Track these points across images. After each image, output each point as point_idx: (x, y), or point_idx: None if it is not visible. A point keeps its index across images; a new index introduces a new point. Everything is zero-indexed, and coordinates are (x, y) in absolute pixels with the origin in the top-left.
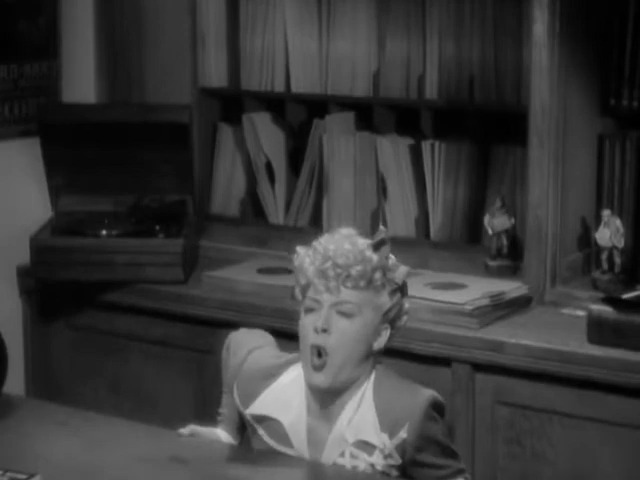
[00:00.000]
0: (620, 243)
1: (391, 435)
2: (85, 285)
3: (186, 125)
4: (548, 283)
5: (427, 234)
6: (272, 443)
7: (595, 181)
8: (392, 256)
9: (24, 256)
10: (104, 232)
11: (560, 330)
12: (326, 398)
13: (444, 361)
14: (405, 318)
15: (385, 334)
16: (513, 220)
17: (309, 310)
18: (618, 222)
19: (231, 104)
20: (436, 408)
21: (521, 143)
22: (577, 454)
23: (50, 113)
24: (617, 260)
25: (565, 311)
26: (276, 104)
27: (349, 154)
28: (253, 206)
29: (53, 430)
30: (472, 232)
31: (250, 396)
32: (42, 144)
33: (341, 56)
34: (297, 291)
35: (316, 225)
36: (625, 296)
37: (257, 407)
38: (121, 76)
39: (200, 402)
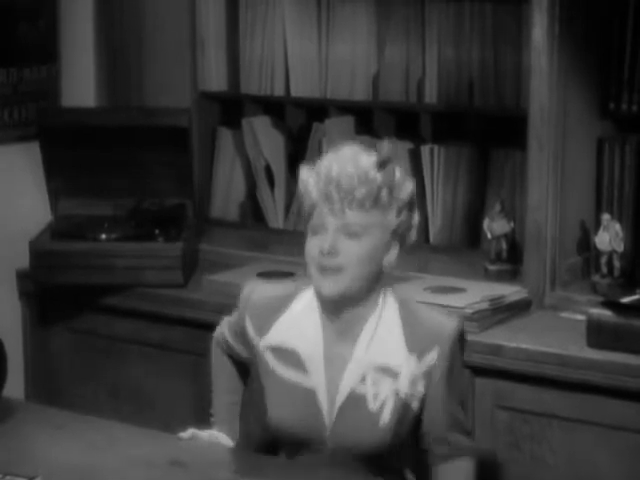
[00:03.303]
0: (619, 247)
1: (420, 357)
2: (84, 289)
3: (185, 129)
4: (547, 287)
5: (426, 238)
6: (287, 374)
7: (594, 185)
8: (398, 171)
9: (24, 260)
10: (103, 236)
11: (559, 334)
12: (340, 319)
13: None
14: (414, 233)
15: (394, 251)
16: (512, 224)
17: (315, 232)
18: (617, 226)
19: (230, 108)
20: (464, 339)
21: (520, 147)
22: (577, 458)
23: (49, 117)
24: (616, 264)
25: (564, 315)
26: (276, 108)
27: None
28: (253, 210)
29: (52, 433)
30: (471, 236)
31: (263, 327)
32: (42, 148)
33: (341, 60)
34: (303, 211)
35: None
36: (624, 300)
37: (272, 337)
38: (121, 80)
39: (199, 405)
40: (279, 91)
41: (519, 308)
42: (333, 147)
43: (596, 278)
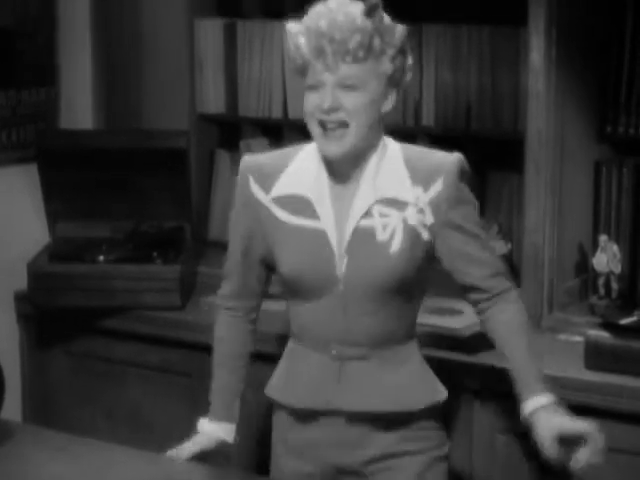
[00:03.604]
0: (617, 269)
1: (425, 188)
2: (82, 311)
3: (184, 151)
4: (545, 309)
5: None
6: (297, 222)
7: (592, 207)
8: (386, 17)
9: (22, 282)
10: (102, 258)
11: (558, 356)
12: (346, 164)
13: None
14: (409, 75)
15: (392, 96)
16: (510, 246)
17: (313, 87)
18: (615, 248)
19: (229, 130)
20: (466, 169)
21: (518, 170)
22: None
23: (48, 139)
24: (614, 286)
25: (562, 337)
26: (274, 130)
27: None
28: None
29: (50, 456)
30: None
31: (268, 182)
32: (40, 170)
33: None
34: (292, 66)
35: None
36: (622, 322)
37: (278, 189)
38: (119, 102)
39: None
40: (277, 113)
41: None
42: None
43: (594, 300)
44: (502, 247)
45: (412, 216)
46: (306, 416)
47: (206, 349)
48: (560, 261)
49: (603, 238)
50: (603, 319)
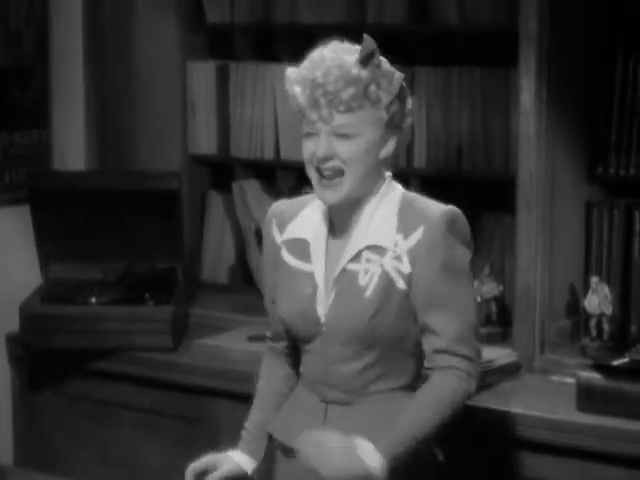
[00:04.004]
0: (608, 310)
1: (406, 235)
2: (75, 353)
3: (176, 192)
4: (537, 350)
5: None
6: (294, 263)
7: (583, 248)
8: (383, 61)
9: (14, 324)
10: (94, 300)
11: (549, 398)
12: (343, 209)
13: None
14: (409, 119)
15: (391, 141)
16: (502, 287)
17: (308, 134)
18: (606, 289)
19: (221, 171)
20: (458, 224)
21: (509, 211)
22: None
23: (40, 180)
24: (606, 327)
25: (554, 378)
26: (266, 172)
27: None
28: (243, 273)
29: None
30: None
31: (283, 226)
32: (32, 211)
33: None
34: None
35: None
36: (614, 363)
37: (287, 233)
38: (111, 144)
39: None
40: (269, 155)
41: (509, 371)
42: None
43: (585, 341)
44: (494, 288)
45: (388, 262)
46: (292, 452)
47: (199, 391)
48: (552, 302)
49: (594, 279)
50: (595, 361)
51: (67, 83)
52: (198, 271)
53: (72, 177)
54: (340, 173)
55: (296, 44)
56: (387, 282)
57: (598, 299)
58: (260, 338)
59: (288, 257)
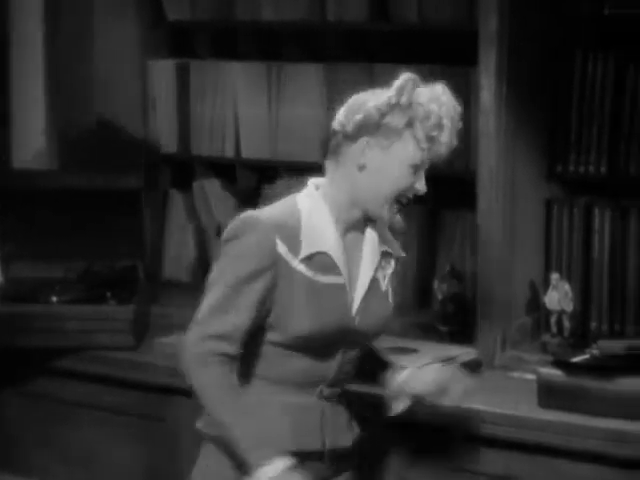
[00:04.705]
0: (569, 307)
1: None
2: (36, 352)
3: (137, 191)
4: (498, 347)
5: None
6: (324, 279)
7: (543, 245)
8: None
9: None
10: (55, 299)
11: (510, 394)
12: (362, 222)
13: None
14: None
15: None
16: (463, 285)
17: (414, 167)
18: (567, 286)
19: (182, 170)
20: None
21: (470, 209)
22: None
23: (1, 180)
24: (566, 324)
25: (515, 375)
26: (227, 170)
27: None
28: (204, 271)
29: None
30: (422, 297)
31: (295, 244)
32: None
33: (290, 122)
34: (393, 124)
35: None
36: (575, 360)
37: (304, 250)
38: (72, 143)
39: (152, 470)
40: (230, 153)
41: (470, 368)
42: None
43: (546, 338)
44: (455, 286)
45: (393, 266)
46: (309, 456)
47: (160, 390)
48: (512, 299)
49: (555, 276)
50: (555, 357)
51: (27, 82)
52: (160, 270)
53: (33, 176)
54: None
55: (257, 42)
56: (391, 285)
57: (558, 296)
58: None
59: (309, 272)
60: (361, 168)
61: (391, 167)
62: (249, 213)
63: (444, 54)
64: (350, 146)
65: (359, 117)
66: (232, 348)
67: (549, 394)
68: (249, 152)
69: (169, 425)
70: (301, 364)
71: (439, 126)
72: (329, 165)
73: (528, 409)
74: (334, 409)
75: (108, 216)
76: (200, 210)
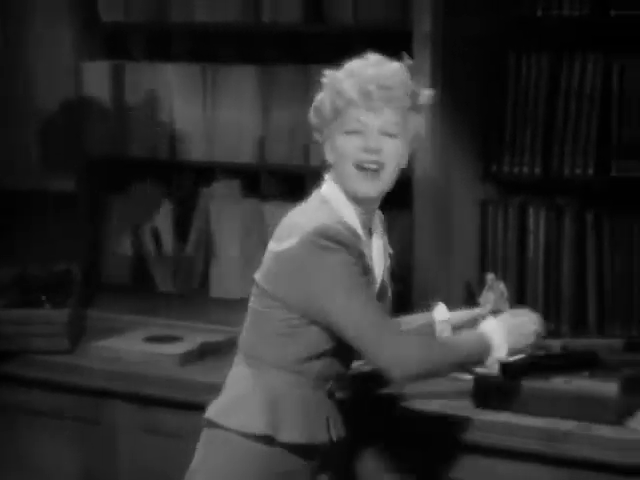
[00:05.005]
0: (504, 307)
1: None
2: None
3: (72, 194)
4: None
5: None
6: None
7: (479, 246)
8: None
9: None
10: None
11: (447, 394)
12: (371, 211)
13: None
14: (422, 133)
15: (407, 153)
16: (400, 285)
17: (354, 132)
18: (502, 286)
19: (118, 172)
20: None
21: (407, 209)
22: None
23: None
24: None
25: (451, 375)
26: (163, 172)
27: (236, 220)
28: (141, 274)
29: None
30: None
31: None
32: None
33: (226, 124)
34: (325, 112)
35: (204, 292)
36: (511, 359)
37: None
38: (5, 146)
39: (88, 473)
40: (165, 155)
41: None
42: (220, 210)
43: None
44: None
45: (388, 263)
46: (319, 447)
47: (96, 393)
48: (448, 299)
49: (490, 276)
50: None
51: None
52: (97, 273)
53: None
54: (381, 167)
55: (192, 43)
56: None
57: (494, 296)
58: (156, 339)
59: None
60: (332, 165)
61: (336, 146)
62: (324, 226)
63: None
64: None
65: (312, 120)
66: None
67: (485, 394)
68: (184, 154)
69: (104, 428)
70: (328, 360)
71: (349, 75)
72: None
73: (464, 409)
74: (335, 403)
75: (44, 219)
76: (136, 212)
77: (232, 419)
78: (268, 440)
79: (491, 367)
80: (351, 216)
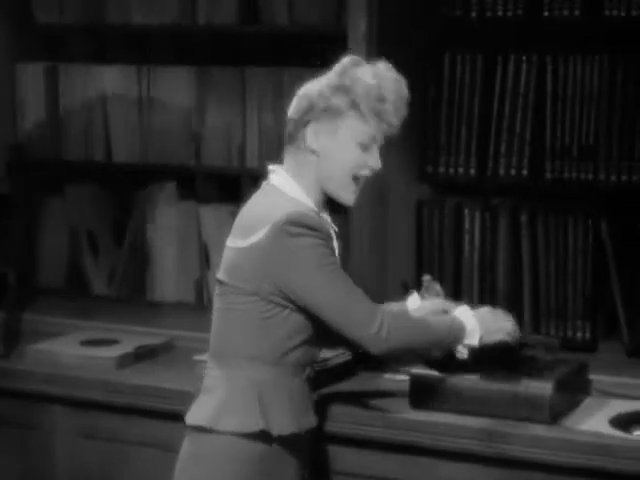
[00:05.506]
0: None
1: None
2: None
3: (7, 196)
4: None
5: None
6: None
7: (415, 246)
8: None
9: None
10: None
11: (383, 395)
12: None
13: None
14: None
15: None
16: None
17: (364, 146)
18: (438, 287)
19: (54, 174)
20: None
21: (343, 209)
22: None
23: None
24: None
25: (387, 375)
26: (98, 174)
27: (172, 223)
28: (78, 277)
29: None
30: None
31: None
32: None
33: (162, 126)
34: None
35: (140, 295)
36: (446, 360)
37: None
38: None
39: (27, 478)
40: (101, 157)
41: (345, 370)
42: (156, 213)
43: None
44: None
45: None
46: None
47: (32, 397)
48: (385, 300)
49: (426, 277)
50: (427, 357)
51: None
52: (32, 276)
53: None
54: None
55: (127, 45)
56: None
57: (430, 297)
58: (93, 342)
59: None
60: (314, 153)
61: (341, 149)
62: (294, 213)
63: (314, 57)
64: (302, 132)
65: (305, 104)
66: (375, 305)
67: (421, 394)
68: (120, 156)
69: (41, 432)
70: (308, 348)
71: (382, 99)
72: (288, 152)
73: (400, 409)
74: (311, 388)
75: None
76: (72, 214)
77: (225, 422)
78: (264, 436)
79: (461, 353)
80: (310, 203)
